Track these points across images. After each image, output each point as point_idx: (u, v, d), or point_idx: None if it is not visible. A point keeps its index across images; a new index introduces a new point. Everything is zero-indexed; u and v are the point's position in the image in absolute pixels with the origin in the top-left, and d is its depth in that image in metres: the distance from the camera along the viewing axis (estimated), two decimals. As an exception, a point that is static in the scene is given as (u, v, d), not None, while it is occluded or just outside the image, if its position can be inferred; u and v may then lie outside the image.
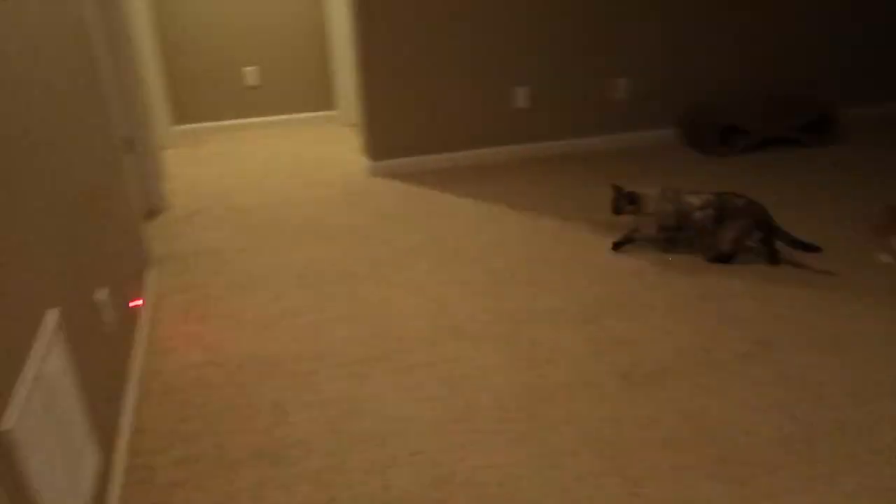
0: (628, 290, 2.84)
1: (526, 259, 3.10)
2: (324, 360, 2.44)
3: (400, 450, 2.02)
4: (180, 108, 4.82)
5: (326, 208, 3.65)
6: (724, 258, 3.01)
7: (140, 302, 2.65)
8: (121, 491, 1.89)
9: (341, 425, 2.13)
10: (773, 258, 3.00)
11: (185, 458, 2.01)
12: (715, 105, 4.43)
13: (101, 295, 2.04)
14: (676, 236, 3.10)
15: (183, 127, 4.85)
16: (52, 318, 1.53)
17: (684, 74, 4.41)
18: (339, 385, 2.30)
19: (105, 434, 1.87)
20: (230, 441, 2.07)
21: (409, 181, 3.99)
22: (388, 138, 4.05)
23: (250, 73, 4.85)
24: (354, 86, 4.34)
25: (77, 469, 1.55)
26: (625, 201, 3.04)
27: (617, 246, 3.16)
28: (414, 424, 2.12)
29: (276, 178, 4.07)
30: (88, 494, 1.61)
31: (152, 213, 3.62)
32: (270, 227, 3.45)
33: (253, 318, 2.69)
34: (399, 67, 3.89)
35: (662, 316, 2.66)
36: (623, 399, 2.22)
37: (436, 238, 3.30)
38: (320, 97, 5.04)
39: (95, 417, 1.78)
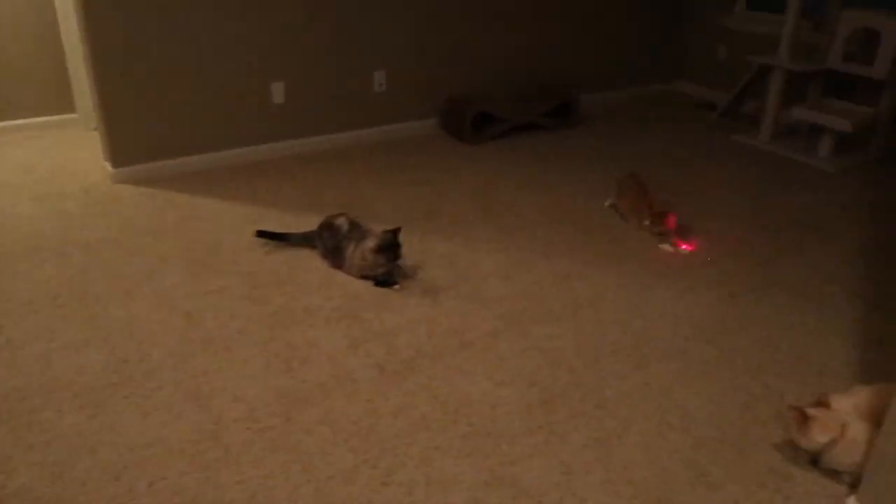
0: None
1: (283, 260, 3.03)
2: (53, 394, 2.19)
3: (138, 481, 1.87)
4: None
5: (63, 223, 3.29)
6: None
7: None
8: None
9: (70, 464, 1.92)
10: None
11: None
12: (470, 95, 4.64)
13: None
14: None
15: None
16: None
17: (441, 66, 4.56)
18: (70, 420, 2.08)
19: None
20: (-71, 504, 1.80)
21: (161, 187, 3.73)
22: (134, 142, 3.74)
23: (-36, 75, 4.23)
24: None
25: None
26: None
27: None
28: (156, 450, 1.98)
29: (0, 193, 3.60)
30: None
31: None
32: (-8, 250, 3.04)
33: (-35, 357, 2.35)
34: (142, 62, 3.60)
35: (417, 304, 2.73)
36: (378, 390, 2.25)
37: (188, 246, 3.11)
38: (56, 99, 4.53)
39: None
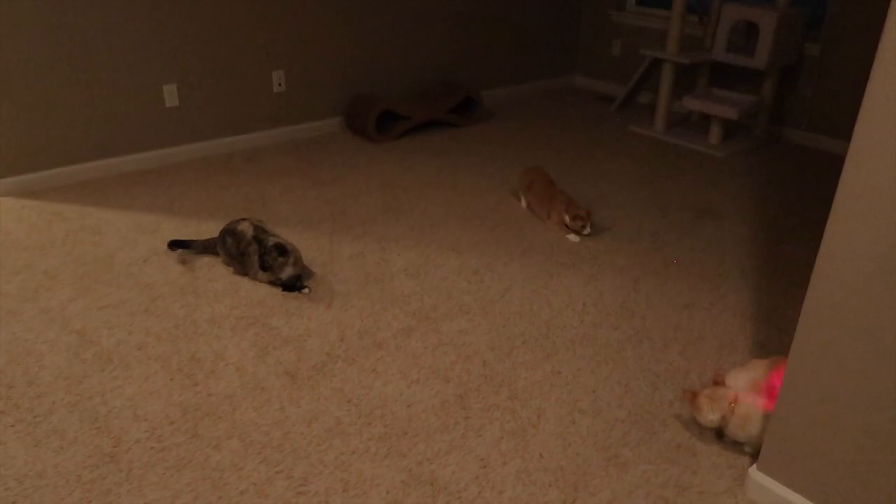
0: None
1: (184, 270, 2.90)
2: (-72, 427, 2.01)
3: (29, 514, 1.75)
4: None
5: (-66, 242, 3.04)
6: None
7: None
8: None
9: (-49, 503, 1.77)
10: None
11: None
12: (373, 93, 4.60)
13: None
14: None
15: None
16: None
17: (343, 64, 4.49)
18: (-51, 454, 1.92)
19: None
20: None
21: (47, 198, 3.50)
22: (15, 150, 3.49)
23: None
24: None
25: None
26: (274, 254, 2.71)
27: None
28: (49, 480, 1.85)
29: None
30: None
31: None
32: None
33: None
34: (20, 65, 3.36)
35: (327, 307, 2.68)
36: (289, 398, 2.18)
37: (78, 260, 2.93)
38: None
39: None
